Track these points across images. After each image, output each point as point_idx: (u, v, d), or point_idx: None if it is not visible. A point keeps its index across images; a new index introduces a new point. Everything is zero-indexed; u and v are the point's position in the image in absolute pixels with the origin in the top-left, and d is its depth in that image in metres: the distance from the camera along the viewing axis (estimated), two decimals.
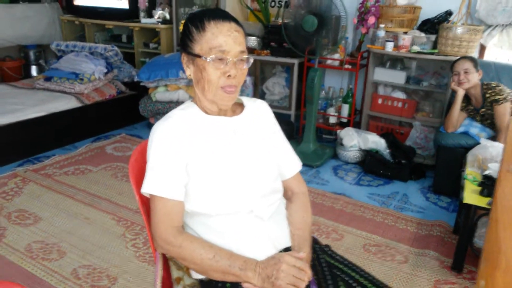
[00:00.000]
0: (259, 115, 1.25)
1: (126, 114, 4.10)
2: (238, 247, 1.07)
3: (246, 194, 1.11)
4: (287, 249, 1.13)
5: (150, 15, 4.40)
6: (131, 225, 2.43)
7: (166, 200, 1.06)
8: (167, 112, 3.72)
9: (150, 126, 4.11)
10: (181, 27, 1.17)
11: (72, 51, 4.08)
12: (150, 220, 1.11)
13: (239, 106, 1.24)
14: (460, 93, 2.75)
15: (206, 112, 1.16)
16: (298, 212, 1.22)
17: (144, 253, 2.17)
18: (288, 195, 1.27)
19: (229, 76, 1.08)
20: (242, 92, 4.14)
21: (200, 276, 1.11)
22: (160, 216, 1.06)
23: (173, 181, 1.07)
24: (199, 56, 1.08)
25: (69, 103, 3.60)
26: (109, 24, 4.49)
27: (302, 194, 1.27)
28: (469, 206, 1.97)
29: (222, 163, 1.10)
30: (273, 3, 4.10)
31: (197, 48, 1.09)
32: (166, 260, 1.19)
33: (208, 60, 1.06)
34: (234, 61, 1.08)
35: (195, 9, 4.27)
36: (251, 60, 1.12)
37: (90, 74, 3.80)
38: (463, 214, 2.06)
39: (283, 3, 4.04)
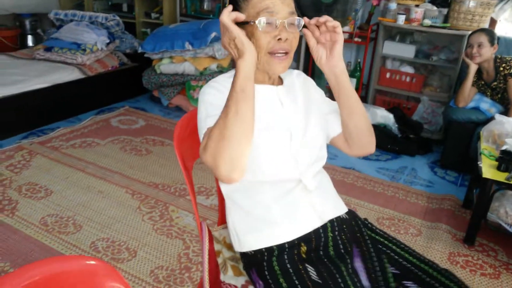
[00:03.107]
0: (301, 82, 1.22)
1: (128, 86, 4.03)
2: (284, 219, 1.07)
3: (295, 161, 1.09)
4: (331, 221, 1.12)
5: None
6: (145, 198, 2.42)
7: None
8: (172, 85, 3.74)
9: (153, 98, 4.05)
10: None
11: (71, 20, 3.96)
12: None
13: (278, 77, 1.21)
14: (473, 67, 2.74)
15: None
16: None
17: (161, 226, 2.17)
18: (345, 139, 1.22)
19: (279, 39, 1.03)
20: None
21: (244, 250, 1.11)
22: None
23: None
24: (246, 23, 1.04)
25: (72, 74, 3.52)
26: None
27: None
28: (486, 180, 1.99)
29: (270, 131, 1.07)
30: None
31: (244, 15, 1.05)
32: (209, 233, 1.19)
33: (256, 23, 1.01)
34: (284, 23, 1.03)
35: None
36: (302, 23, 1.06)
37: (92, 44, 3.70)
38: (479, 188, 2.08)
39: None
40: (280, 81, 1.20)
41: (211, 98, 1.05)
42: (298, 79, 1.23)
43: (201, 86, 3.64)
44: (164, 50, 3.66)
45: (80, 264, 0.69)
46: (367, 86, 3.77)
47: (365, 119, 1.15)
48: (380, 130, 3.28)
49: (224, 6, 4.01)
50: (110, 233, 2.10)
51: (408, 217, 2.40)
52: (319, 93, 1.25)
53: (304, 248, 1.06)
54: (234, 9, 1.06)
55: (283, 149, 1.08)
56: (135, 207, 2.34)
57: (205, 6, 4.18)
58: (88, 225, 2.16)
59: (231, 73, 1.14)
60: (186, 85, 3.70)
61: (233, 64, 3.88)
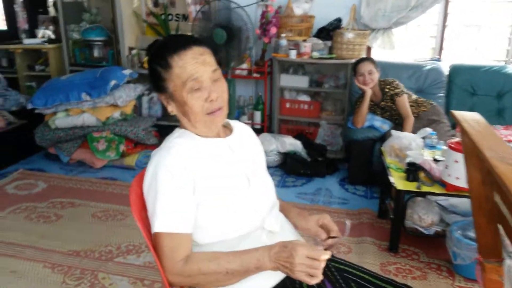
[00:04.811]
0: (248, 134, 1.29)
1: (19, 147, 3.65)
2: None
3: (257, 211, 1.13)
4: None
5: (32, 35, 3.97)
6: (68, 270, 2.19)
7: (175, 235, 1.04)
8: (70, 139, 3.49)
9: (49, 156, 3.71)
10: (145, 65, 1.14)
11: None
12: (158, 256, 1.06)
13: (227, 127, 1.25)
14: (368, 92, 3.07)
15: (202, 136, 1.15)
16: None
17: None
18: None
19: (211, 100, 1.08)
20: (151, 109, 4.01)
21: None
22: (168, 252, 1.03)
23: (185, 215, 1.05)
24: (175, 92, 1.08)
25: None
26: None
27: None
28: (399, 191, 2.23)
29: (229, 184, 1.11)
30: (170, 17, 4.04)
31: (171, 86, 1.08)
32: None
33: (185, 94, 1.06)
34: (210, 84, 1.08)
35: (85, 25, 3.98)
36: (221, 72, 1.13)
37: None
38: (394, 200, 2.32)
39: (180, 17, 4.01)
40: (230, 130, 1.24)
41: (173, 193, 1.04)
42: (245, 131, 1.30)
43: (106, 137, 3.46)
44: (58, 103, 3.41)
45: None
46: (270, 117, 3.96)
47: None
48: (291, 157, 3.47)
49: (118, 53, 3.92)
50: None
51: None
52: (261, 146, 1.34)
53: None
54: (159, 79, 1.08)
55: (243, 199, 1.12)
56: (59, 282, 2.10)
57: (96, 53, 4.02)
58: None
59: (179, 132, 1.16)
60: (88, 138, 3.47)
61: (135, 110, 3.78)
